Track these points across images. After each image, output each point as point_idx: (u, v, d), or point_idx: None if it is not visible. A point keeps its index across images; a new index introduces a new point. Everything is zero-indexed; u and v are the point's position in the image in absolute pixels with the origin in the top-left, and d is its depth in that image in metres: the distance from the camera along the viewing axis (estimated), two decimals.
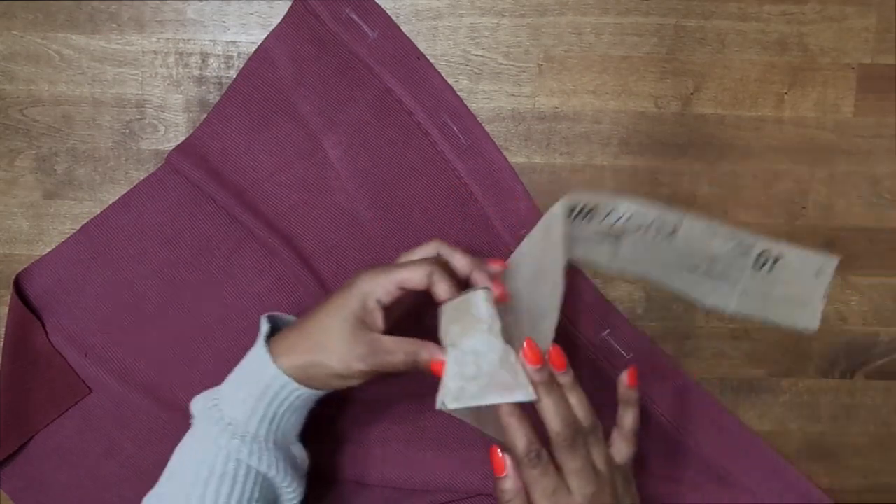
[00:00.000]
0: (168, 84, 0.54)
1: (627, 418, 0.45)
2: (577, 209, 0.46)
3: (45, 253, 0.54)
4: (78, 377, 0.54)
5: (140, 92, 0.54)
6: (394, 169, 0.53)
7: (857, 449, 0.58)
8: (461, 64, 0.54)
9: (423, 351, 0.43)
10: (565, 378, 0.43)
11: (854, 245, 0.56)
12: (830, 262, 0.48)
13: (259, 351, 0.44)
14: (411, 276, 0.43)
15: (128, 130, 0.54)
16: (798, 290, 0.48)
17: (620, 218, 0.46)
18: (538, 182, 0.54)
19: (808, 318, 0.48)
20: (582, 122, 0.54)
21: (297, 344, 0.43)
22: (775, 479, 0.56)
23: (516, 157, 0.54)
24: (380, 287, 0.43)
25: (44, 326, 0.54)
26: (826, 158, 0.55)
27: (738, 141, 0.55)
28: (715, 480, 0.55)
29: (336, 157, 0.53)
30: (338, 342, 0.42)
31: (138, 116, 0.54)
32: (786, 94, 0.54)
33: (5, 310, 0.54)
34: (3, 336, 0.53)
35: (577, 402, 0.43)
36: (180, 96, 0.54)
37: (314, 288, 0.53)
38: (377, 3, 0.53)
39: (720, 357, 0.56)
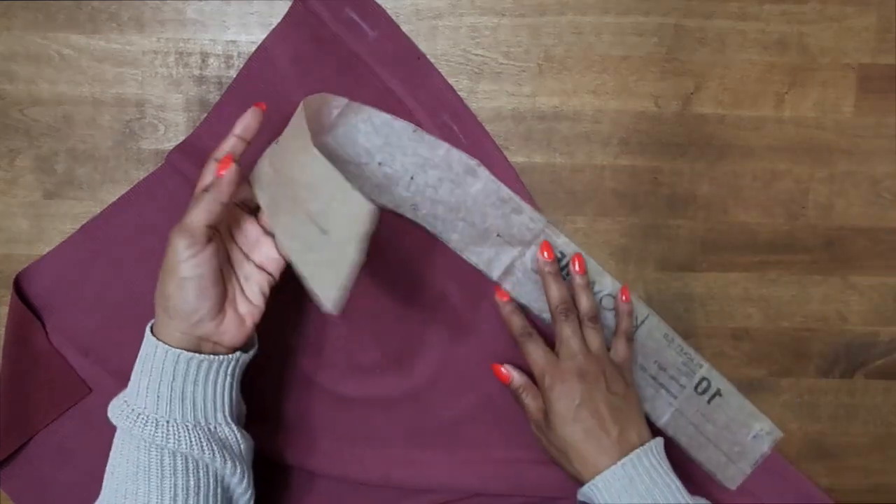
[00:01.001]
0: (168, 84, 0.54)
1: (623, 323, 0.53)
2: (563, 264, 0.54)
3: (45, 253, 0.54)
4: (78, 377, 0.54)
5: (140, 92, 0.54)
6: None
7: (857, 449, 0.58)
8: (461, 63, 0.54)
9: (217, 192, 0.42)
10: (580, 279, 0.53)
11: (854, 245, 0.56)
12: (770, 433, 0.54)
13: (147, 338, 0.43)
14: (207, 212, 0.42)
15: (128, 130, 0.54)
16: (729, 441, 0.54)
17: (601, 292, 0.54)
18: (538, 182, 0.54)
19: (731, 476, 0.53)
20: (582, 121, 0.54)
21: (164, 320, 0.43)
22: (775, 479, 0.56)
23: (516, 157, 0.54)
24: (185, 240, 0.42)
25: (44, 326, 0.54)
26: (826, 158, 0.55)
27: (738, 141, 0.55)
28: (715, 481, 0.55)
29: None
30: (184, 297, 0.42)
31: (138, 116, 0.54)
32: (786, 94, 0.54)
33: (5, 310, 0.54)
34: (3, 336, 0.53)
35: (585, 298, 0.52)
36: (180, 96, 0.54)
37: None
38: (377, 3, 0.53)
39: (720, 357, 0.56)
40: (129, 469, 0.42)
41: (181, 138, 0.54)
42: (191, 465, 0.42)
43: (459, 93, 0.54)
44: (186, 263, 0.42)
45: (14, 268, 0.54)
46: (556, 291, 0.51)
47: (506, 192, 0.53)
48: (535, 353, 0.50)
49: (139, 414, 0.42)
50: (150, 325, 0.45)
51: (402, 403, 0.54)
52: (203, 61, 0.53)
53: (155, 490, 0.41)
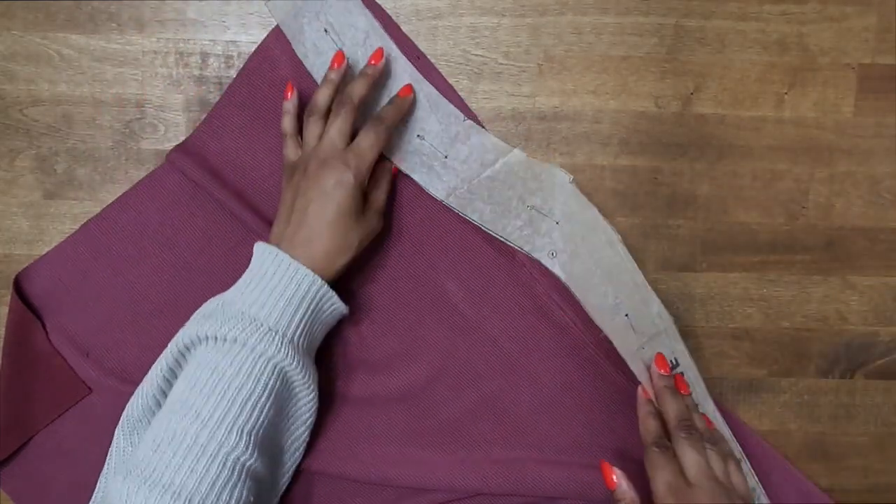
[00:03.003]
0: (168, 84, 0.54)
1: (384, 108, 0.50)
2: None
3: (45, 253, 0.54)
4: (78, 377, 0.54)
5: (140, 92, 0.54)
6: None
7: (857, 449, 0.58)
8: (461, 63, 0.54)
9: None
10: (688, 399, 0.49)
11: (854, 245, 0.56)
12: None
13: (292, 264, 0.45)
14: (375, 147, 0.48)
15: (128, 130, 0.54)
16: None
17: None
18: None
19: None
20: (582, 122, 0.54)
21: (314, 254, 0.46)
22: (775, 478, 0.56)
23: None
24: (359, 179, 0.47)
25: (44, 326, 0.54)
26: (826, 158, 0.55)
27: (738, 141, 0.55)
28: None
29: None
30: (352, 241, 0.47)
31: (138, 116, 0.54)
32: (786, 94, 0.54)
33: (5, 310, 0.54)
34: (3, 336, 0.53)
35: (697, 418, 0.48)
36: (180, 96, 0.54)
37: None
38: (377, 3, 0.53)
39: (720, 357, 0.56)
40: (245, 385, 0.43)
41: (181, 138, 0.54)
42: (284, 395, 0.46)
43: (459, 93, 0.54)
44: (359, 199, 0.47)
45: (14, 268, 0.54)
46: (673, 407, 0.47)
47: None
48: (665, 470, 0.43)
49: (270, 329, 0.44)
50: (276, 250, 0.46)
51: (403, 403, 0.54)
52: (203, 61, 0.53)
53: (261, 410, 0.44)
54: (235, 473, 0.42)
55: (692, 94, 0.54)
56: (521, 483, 0.53)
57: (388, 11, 0.53)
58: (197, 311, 0.47)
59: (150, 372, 0.47)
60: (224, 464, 0.41)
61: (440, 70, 0.53)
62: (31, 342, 0.53)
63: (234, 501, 0.42)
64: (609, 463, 0.46)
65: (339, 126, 0.47)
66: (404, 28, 0.53)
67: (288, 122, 0.50)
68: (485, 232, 0.54)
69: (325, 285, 0.46)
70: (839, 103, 0.55)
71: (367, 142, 0.47)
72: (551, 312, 0.54)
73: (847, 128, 0.55)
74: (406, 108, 0.51)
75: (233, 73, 0.53)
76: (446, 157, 0.52)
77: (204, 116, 0.53)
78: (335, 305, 0.48)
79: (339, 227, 0.46)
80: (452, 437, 0.54)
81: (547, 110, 0.54)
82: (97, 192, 0.54)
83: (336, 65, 0.50)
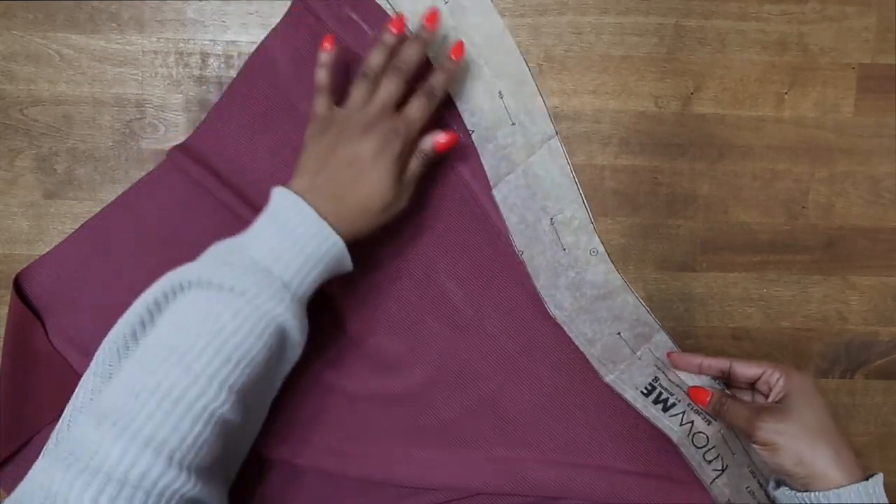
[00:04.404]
0: (168, 84, 0.54)
1: (437, 79, 0.49)
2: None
3: (45, 253, 0.54)
4: (78, 377, 0.54)
5: (140, 92, 0.54)
6: None
7: (857, 449, 0.57)
8: None
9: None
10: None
11: (854, 245, 0.56)
12: None
13: (318, 222, 0.43)
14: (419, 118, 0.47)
15: (128, 130, 0.54)
16: None
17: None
18: None
19: None
20: (582, 122, 0.54)
21: (341, 212, 0.44)
22: None
23: None
24: (405, 148, 0.47)
25: (44, 326, 0.54)
26: (826, 158, 0.55)
27: (738, 141, 0.55)
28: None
29: None
30: (387, 205, 0.46)
31: (138, 116, 0.54)
32: (786, 94, 0.54)
33: (5, 310, 0.54)
34: (3, 336, 0.53)
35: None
36: (180, 96, 0.54)
37: None
38: (377, 3, 0.53)
39: (720, 357, 0.56)
40: (241, 335, 0.40)
41: (181, 138, 0.54)
42: (277, 347, 0.43)
43: None
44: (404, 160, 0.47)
45: (14, 268, 0.54)
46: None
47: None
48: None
49: (284, 285, 0.42)
50: (302, 201, 0.44)
51: (403, 402, 0.54)
52: (203, 61, 0.53)
53: (249, 359, 0.41)
54: (216, 426, 0.40)
55: (692, 94, 0.54)
56: (521, 483, 0.53)
57: (388, 11, 0.53)
58: (202, 254, 0.44)
59: (133, 305, 0.44)
60: (208, 421, 0.39)
61: None
62: (31, 342, 0.53)
63: (208, 455, 0.39)
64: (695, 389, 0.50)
65: (391, 90, 0.47)
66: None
67: (323, 76, 0.49)
68: (485, 232, 0.54)
69: (345, 248, 0.44)
70: (839, 103, 0.55)
71: (418, 112, 0.47)
72: (551, 312, 0.54)
73: (847, 128, 0.55)
74: (456, 73, 0.50)
75: (233, 73, 0.53)
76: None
77: (204, 116, 0.53)
78: (346, 261, 0.45)
79: (373, 193, 0.45)
80: (453, 437, 0.54)
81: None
82: (97, 192, 0.54)
83: (395, 29, 0.48)
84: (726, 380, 0.52)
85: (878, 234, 0.56)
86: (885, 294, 0.56)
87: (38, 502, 0.35)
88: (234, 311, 0.40)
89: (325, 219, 0.43)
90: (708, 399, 0.50)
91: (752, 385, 0.50)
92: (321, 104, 0.49)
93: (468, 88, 0.53)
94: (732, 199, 0.55)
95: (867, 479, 0.44)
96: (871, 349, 0.57)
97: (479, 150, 0.53)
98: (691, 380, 0.53)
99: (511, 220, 0.53)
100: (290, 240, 0.43)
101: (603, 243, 0.54)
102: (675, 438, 0.53)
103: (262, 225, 0.44)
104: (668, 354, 0.53)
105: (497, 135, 0.53)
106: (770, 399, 0.48)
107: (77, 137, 0.54)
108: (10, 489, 0.54)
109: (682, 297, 0.56)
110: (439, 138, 0.49)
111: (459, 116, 0.53)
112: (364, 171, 0.45)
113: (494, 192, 0.53)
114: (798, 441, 0.45)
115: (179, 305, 0.41)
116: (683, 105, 0.54)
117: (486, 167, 0.53)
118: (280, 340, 0.43)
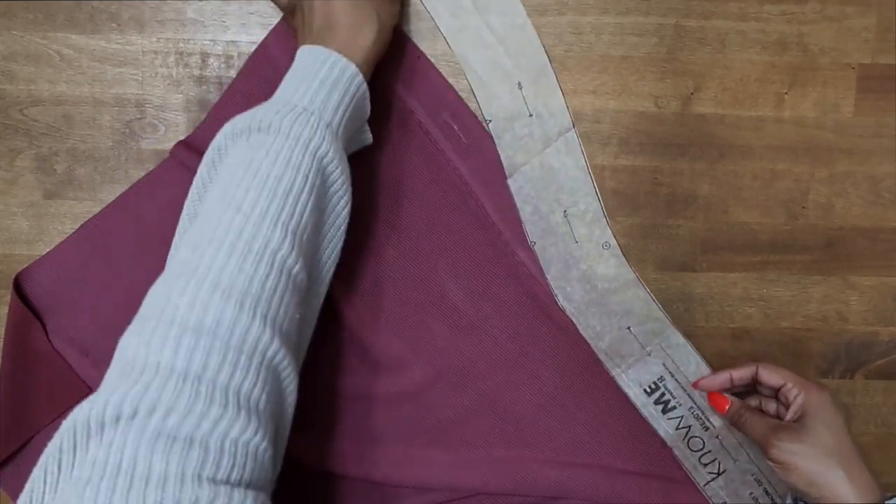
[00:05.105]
0: (168, 84, 0.54)
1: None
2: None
3: (45, 253, 0.54)
4: (78, 377, 0.54)
5: (140, 92, 0.54)
6: (395, 168, 0.53)
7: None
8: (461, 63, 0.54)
9: None
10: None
11: (854, 245, 0.56)
12: None
13: (334, 56, 0.44)
14: None
15: (128, 130, 0.54)
16: None
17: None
18: None
19: None
20: (582, 122, 0.54)
21: (340, 37, 0.45)
22: None
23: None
24: None
25: (44, 327, 0.54)
26: (826, 158, 0.55)
27: (738, 141, 0.55)
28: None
29: None
30: (370, 10, 0.46)
31: (138, 116, 0.54)
32: (786, 94, 0.54)
33: (5, 310, 0.54)
34: (3, 336, 0.53)
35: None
36: (180, 96, 0.54)
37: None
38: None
39: (720, 357, 0.56)
40: (285, 175, 0.39)
41: (181, 138, 0.54)
42: (319, 182, 0.42)
43: (460, 93, 0.54)
44: None
45: (14, 268, 0.54)
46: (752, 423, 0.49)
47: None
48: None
49: (312, 112, 0.42)
50: (309, 46, 0.45)
51: (403, 402, 0.54)
52: (203, 61, 0.53)
53: (303, 205, 0.40)
54: (283, 277, 0.38)
55: (692, 94, 0.54)
56: (521, 483, 0.53)
57: None
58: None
59: (191, 186, 0.43)
60: (272, 265, 0.37)
61: (441, 70, 0.53)
62: (31, 342, 0.53)
63: (283, 310, 0.38)
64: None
65: None
66: (405, 28, 0.53)
67: None
68: (484, 232, 0.54)
69: (354, 66, 0.44)
70: (839, 103, 0.55)
71: None
72: (551, 312, 0.54)
73: (847, 128, 0.55)
74: None
75: (233, 73, 0.53)
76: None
77: (204, 116, 0.53)
78: (366, 95, 0.46)
79: (354, 3, 0.45)
80: (453, 437, 0.54)
81: None
82: (97, 192, 0.54)
83: None
84: (753, 384, 0.51)
85: (878, 234, 0.56)
86: (885, 294, 0.56)
87: (130, 380, 0.33)
88: (267, 147, 0.40)
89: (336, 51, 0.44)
90: (728, 407, 0.50)
91: (776, 393, 0.50)
92: None
93: (488, 78, 0.53)
94: (732, 199, 0.55)
95: (887, 500, 0.44)
96: (871, 349, 0.57)
97: (496, 140, 0.53)
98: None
99: (525, 210, 0.54)
100: (302, 74, 0.44)
101: (615, 237, 0.54)
102: (668, 440, 0.53)
103: (285, 78, 0.45)
104: (696, 383, 0.52)
105: (515, 125, 0.53)
106: (788, 416, 0.48)
107: (77, 137, 0.54)
108: (10, 489, 0.54)
109: (682, 297, 0.56)
110: None
111: (478, 105, 0.53)
112: None
113: (510, 181, 0.53)
114: (812, 462, 0.45)
115: (224, 162, 0.42)
116: (683, 105, 0.54)
117: (502, 157, 0.53)
118: (321, 177, 0.42)
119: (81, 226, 0.54)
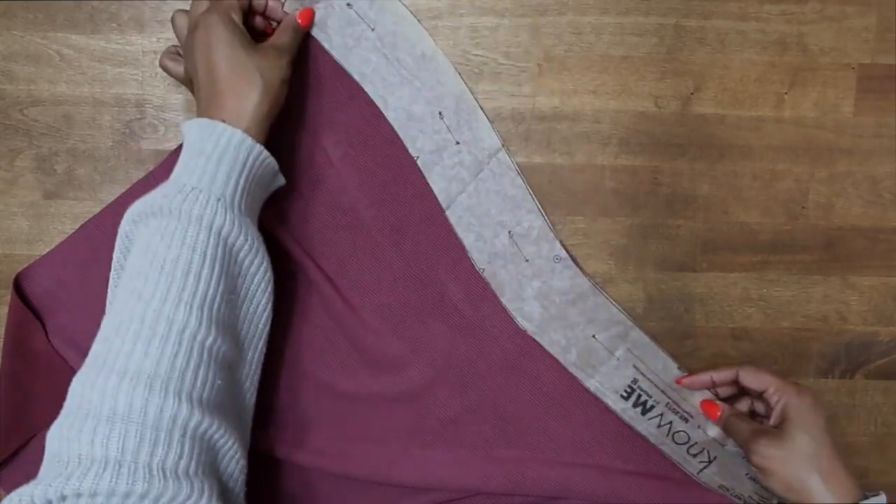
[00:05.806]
0: (168, 84, 0.54)
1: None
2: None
3: (45, 253, 0.54)
4: None
5: (140, 92, 0.54)
6: (394, 168, 0.53)
7: (857, 449, 0.58)
8: (461, 64, 0.54)
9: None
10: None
11: (854, 245, 0.56)
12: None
13: (222, 127, 0.43)
14: None
15: (128, 130, 0.54)
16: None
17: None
18: (538, 182, 0.54)
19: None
20: (582, 122, 0.54)
21: (226, 104, 0.44)
22: None
23: (516, 157, 0.54)
24: (221, 11, 0.45)
25: (44, 326, 0.54)
26: (826, 158, 0.55)
27: (738, 141, 0.55)
28: None
29: (336, 157, 0.53)
30: (252, 70, 0.44)
31: (138, 116, 0.54)
32: (786, 94, 0.54)
33: (5, 310, 0.54)
34: (3, 336, 0.53)
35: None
36: (180, 96, 0.54)
37: (314, 285, 0.53)
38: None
39: (720, 357, 0.56)
40: (182, 255, 0.40)
41: (181, 139, 0.53)
42: (227, 262, 0.42)
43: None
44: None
45: (14, 268, 0.54)
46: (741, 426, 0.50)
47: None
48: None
49: (202, 192, 0.41)
50: (190, 121, 0.44)
51: (403, 402, 0.54)
52: None
53: (206, 283, 0.40)
54: (195, 351, 0.39)
55: (692, 94, 0.54)
56: (521, 483, 0.53)
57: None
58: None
59: (110, 272, 0.45)
60: (179, 343, 0.38)
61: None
62: (31, 342, 0.53)
63: (200, 382, 0.39)
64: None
65: None
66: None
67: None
68: None
69: (240, 132, 0.43)
70: (839, 103, 0.55)
71: None
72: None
73: (847, 128, 0.55)
74: (294, 28, 0.49)
75: None
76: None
77: None
78: (262, 156, 0.44)
79: (230, 63, 0.44)
80: (453, 437, 0.54)
81: (547, 110, 0.54)
82: (97, 192, 0.54)
83: None
84: (738, 388, 0.52)
85: (878, 234, 0.56)
86: (885, 294, 0.56)
87: (55, 472, 0.36)
88: (161, 231, 0.41)
89: (215, 118, 0.43)
90: (719, 414, 0.51)
91: (761, 395, 0.50)
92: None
93: (407, 115, 0.52)
94: (732, 199, 0.55)
95: (862, 501, 0.44)
96: (871, 349, 0.57)
97: (427, 176, 0.53)
98: (694, 395, 0.53)
99: (469, 239, 0.53)
100: (190, 150, 0.43)
101: (566, 248, 0.54)
102: (653, 440, 0.53)
103: (180, 156, 0.44)
104: (678, 381, 0.53)
105: (443, 157, 0.53)
106: (771, 420, 0.48)
107: (77, 137, 0.54)
108: (10, 489, 0.54)
109: (682, 297, 0.56)
110: None
111: (403, 145, 0.53)
112: (208, 55, 0.44)
113: (448, 213, 0.53)
114: (790, 467, 0.46)
115: (132, 250, 0.43)
116: (683, 105, 0.54)
117: (435, 191, 0.53)
118: (223, 248, 0.42)
119: (81, 226, 0.54)
